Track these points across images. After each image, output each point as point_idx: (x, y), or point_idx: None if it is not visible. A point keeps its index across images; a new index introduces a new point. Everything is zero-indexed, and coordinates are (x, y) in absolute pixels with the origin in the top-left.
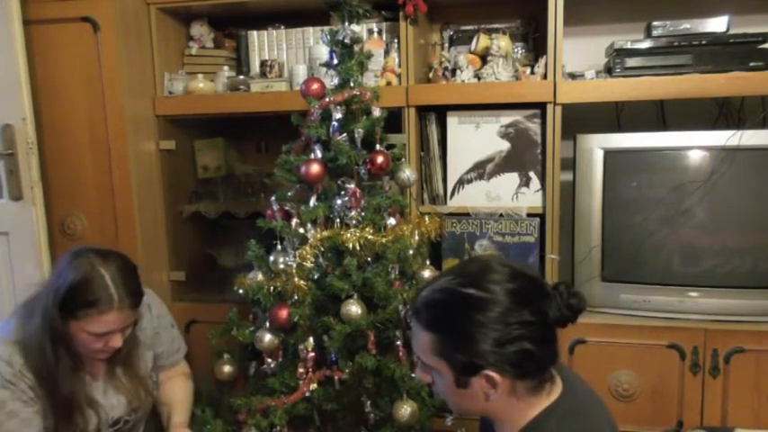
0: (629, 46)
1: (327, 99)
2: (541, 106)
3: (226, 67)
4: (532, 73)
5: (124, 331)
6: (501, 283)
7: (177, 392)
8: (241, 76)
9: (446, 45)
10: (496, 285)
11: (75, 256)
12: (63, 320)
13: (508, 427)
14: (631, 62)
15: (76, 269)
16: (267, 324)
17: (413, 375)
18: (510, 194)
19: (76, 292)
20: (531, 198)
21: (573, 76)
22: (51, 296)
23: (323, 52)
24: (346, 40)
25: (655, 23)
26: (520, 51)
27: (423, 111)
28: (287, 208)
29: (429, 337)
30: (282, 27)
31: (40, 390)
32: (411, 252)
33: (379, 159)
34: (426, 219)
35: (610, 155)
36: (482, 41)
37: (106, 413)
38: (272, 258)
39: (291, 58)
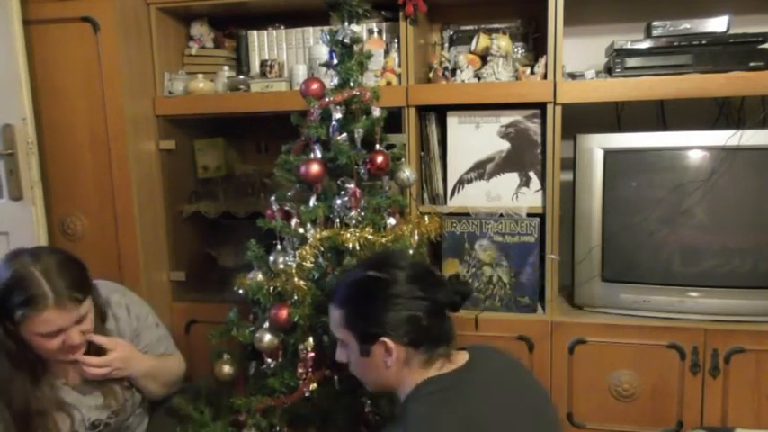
0: (629, 46)
1: (327, 99)
2: (541, 106)
3: (226, 67)
4: (532, 73)
5: (81, 327)
6: (400, 268)
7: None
8: (241, 76)
9: (446, 45)
10: (395, 269)
11: (8, 259)
12: (9, 329)
13: (402, 396)
14: (631, 62)
15: (6, 271)
16: (267, 324)
17: None
18: (510, 194)
19: (9, 295)
20: (531, 198)
21: (573, 76)
22: None
23: (323, 52)
24: (346, 40)
25: (655, 23)
26: (520, 51)
27: (423, 111)
28: (287, 208)
29: (339, 313)
30: (282, 27)
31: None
32: (411, 252)
33: (379, 159)
34: (426, 219)
35: (610, 155)
36: (482, 41)
37: (82, 414)
38: (271, 258)
39: (291, 58)
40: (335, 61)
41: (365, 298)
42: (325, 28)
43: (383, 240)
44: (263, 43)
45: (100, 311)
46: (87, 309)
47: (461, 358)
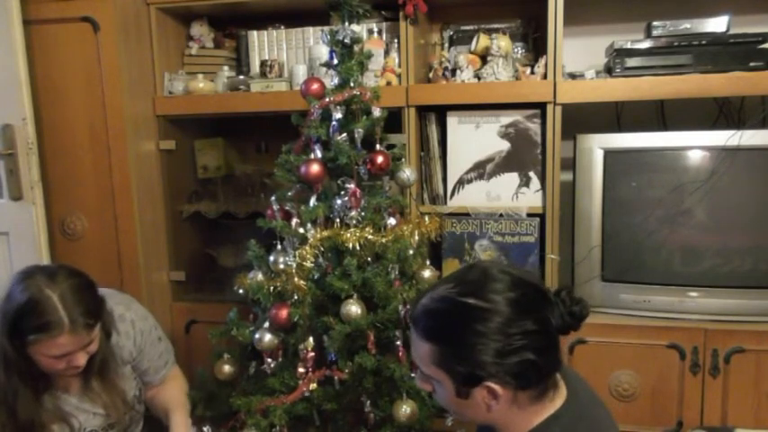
0: (629, 46)
1: (327, 99)
2: (541, 106)
3: (226, 67)
4: (532, 73)
5: (87, 349)
6: (502, 292)
7: (173, 394)
8: (241, 76)
9: (446, 45)
10: (497, 295)
11: (23, 278)
12: (17, 347)
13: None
14: (631, 62)
15: (23, 293)
16: (267, 324)
17: (413, 375)
18: (510, 194)
19: (24, 318)
20: (531, 198)
21: (573, 76)
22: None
23: (323, 52)
24: (346, 40)
25: (655, 23)
26: (520, 51)
27: (423, 111)
28: (287, 208)
29: (428, 347)
30: (282, 27)
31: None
32: (411, 252)
33: (379, 159)
34: (426, 219)
35: (610, 155)
36: (482, 41)
37: (80, 423)
38: (272, 258)
39: (291, 58)
40: (335, 61)
41: (462, 335)
42: (326, 28)
43: (383, 240)
44: (263, 43)
45: (105, 329)
46: (97, 333)
47: (560, 381)
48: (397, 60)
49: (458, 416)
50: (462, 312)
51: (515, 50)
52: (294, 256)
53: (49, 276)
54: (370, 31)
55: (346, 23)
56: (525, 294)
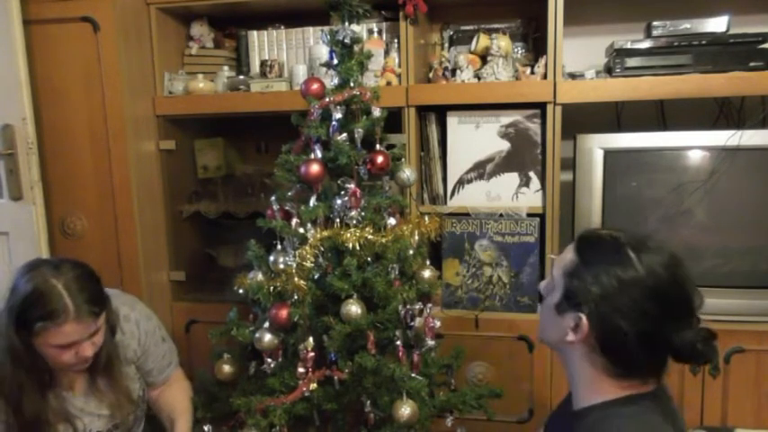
0: (629, 46)
1: (327, 99)
2: (541, 106)
3: (226, 67)
4: (532, 73)
5: (93, 339)
6: (656, 264)
7: (177, 399)
8: (241, 76)
9: (446, 45)
10: (650, 261)
11: (28, 270)
12: (24, 339)
13: (581, 395)
14: (631, 62)
15: (28, 283)
16: (267, 324)
17: (413, 375)
18: (510, 194)
19: (30, 307)
20: (531, 198)
21: (573, 76)
22: (6, 316)
23: (323, 52)
24: (346, 40)
25: (655, 23)
26: (520, 51)
27: (423, 111)
28: (287, 208)
29: (573, 258)
30: (282, 27)
31: (6, 410)
32: (411, 252)
33: (379, 159)
34: (426, 219)
35: (610, 155)
36: (482, 41)
37: (84, 424)
38: (272, 258)
39: (291, 58)
40: (335, 61)
41: (599, 266)
42: (326, 28)
43: (383, 240)
44: (263, 43)
45: (110, 325)
46: (102, 322)
47: (648, 384)
48: (397, 60)
49: (541, 332)
50: (614, 254)
51: (515, 50)
52: (294, 256)
53: (53, 267)
54: (370, 31)
55: (346, 23)
56: (672, 287)
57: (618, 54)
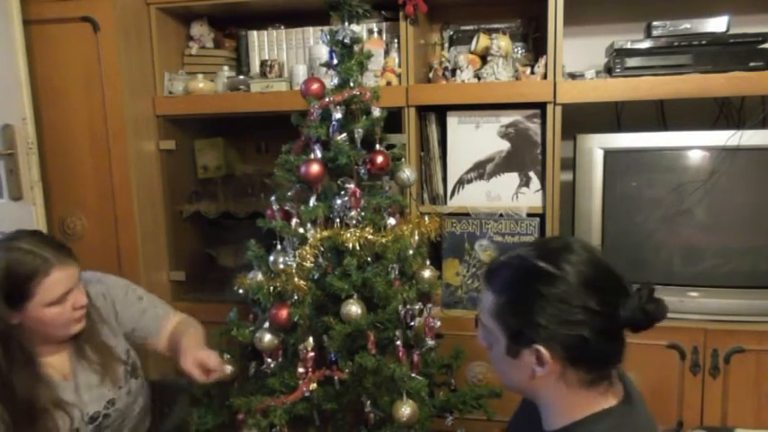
0: (629, 46)
1: (327, 99)
2: (541, 106)
3: (226, 67)
4: (532, 73)
5: (81, 288)
6: (575, 264)
7: (177, 330)
8: (241, 76)
9: (446, 45)
10: (570, 265)
11: None
12: (15, 313)
13: (556, 414)
14: (631, 62)
15: None
16: (267, 324)
17: (413, 375)
18: (510, 194)
19: (12, 277)
20: (531, 198)
21: (573, 76)
22: None
23: (323, 52)
24: (346, 40)
25: (655, 23)
26: (520, 51)
27: (423, 111)
28: (287, 208)
29: (492, 298)
30: (282, 27)
31: (1, 409)
32: (411, 252)
33: (379, 159)
34: (426, 219)
35: (610, 155)
36: (482, 41)
37: (80, 410)
38: (271, 258)
39: (291, 58)
40: (335, 61)
41: (524, 291)
42: (326, 28)
43: (383, 240)
44: (263, 43)
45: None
46: (79, 270)
47: (616, 380)
48: (397, 60)
49: (505, 380)
50: (530, 272)
51: (515, 50)
52: (294, 256)
53: (8, 238)
54: (370, 31)
55: (346, 23)
56: (599, 274)
57: (618, 54)
